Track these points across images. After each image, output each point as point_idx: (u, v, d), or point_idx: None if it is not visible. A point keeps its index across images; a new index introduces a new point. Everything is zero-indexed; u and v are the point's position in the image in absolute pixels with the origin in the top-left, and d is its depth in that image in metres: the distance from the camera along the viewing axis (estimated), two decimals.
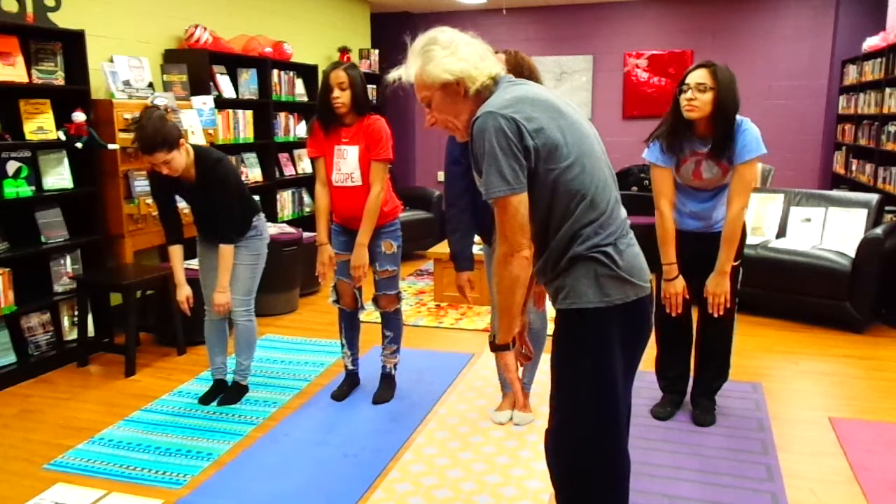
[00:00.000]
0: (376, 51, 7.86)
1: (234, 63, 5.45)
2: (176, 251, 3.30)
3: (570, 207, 1.64)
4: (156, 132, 2.94)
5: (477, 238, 3.17)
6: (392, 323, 3.46)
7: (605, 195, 1.68)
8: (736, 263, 3.02)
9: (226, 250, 3.20)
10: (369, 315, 4.60)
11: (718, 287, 2.94)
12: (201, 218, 3.32)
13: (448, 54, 1.69)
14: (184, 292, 3.31)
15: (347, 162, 3.18)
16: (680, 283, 2.98)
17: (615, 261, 1.66)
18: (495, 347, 1.78)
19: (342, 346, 3.55)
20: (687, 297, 3.03)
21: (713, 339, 3.17)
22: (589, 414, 1.73)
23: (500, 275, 1.66)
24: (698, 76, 2.80)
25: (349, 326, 3.50)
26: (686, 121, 2.85)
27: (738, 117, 2.83)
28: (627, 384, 1.82)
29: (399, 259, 3.37)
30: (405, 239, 6.88)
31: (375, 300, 3.41)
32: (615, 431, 1.75)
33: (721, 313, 2.97)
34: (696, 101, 2.78)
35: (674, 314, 3.03)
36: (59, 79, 3.97)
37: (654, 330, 3.26)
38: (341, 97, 3.11)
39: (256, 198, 5.77)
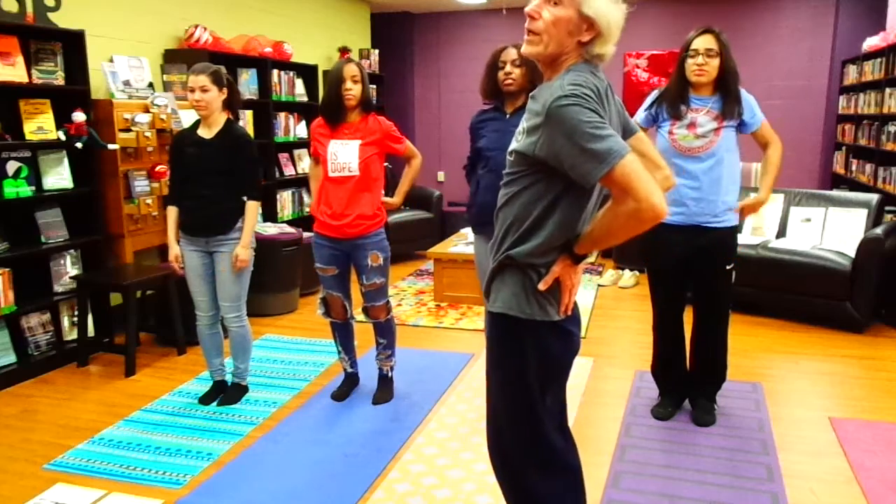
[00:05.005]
0: (376, 51, 7.86)
1: (234, 63, 5.44)
2: (173, 211, 3.34)
3: (546, 225, 1.61)
4: (213, 66, 3.20)
5: (467, 232, 3.21)
6: (385, 330, 3.44)
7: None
8: (730, 267, 3.03)
9: (252, 206, 3.28)
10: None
11: (752, 208, 3.09)
12: (201, 186, 3.22)
13: (614, 1, 1.57)
14: (174, 251, 3.33)
15: (346, 152, 3.17)
16: None
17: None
18: (576, 258, 1.64)
19: (339, 352, 3.55)
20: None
21: (708, 343, 3.17)
22: (514, 417, 1.74)
23: (621, 226, 1.51)
24: (707, 42, 2.88)
25: (343, 334, 3.50)
26: (688, 83, 2.95)
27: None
28: (558, 393, 1.82)
29: (387, 269, 3.33)
30: (406, 239, 6.91)
31: (365, 310, 3.40)
32: (541, 434, 1.74)
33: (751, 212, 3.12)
34: (707, 65, 2.88)
35: None
36: (59, 79, 3.97)
37: (652, 331, 3.26)
38: (353, 90, 3.13)
39: None
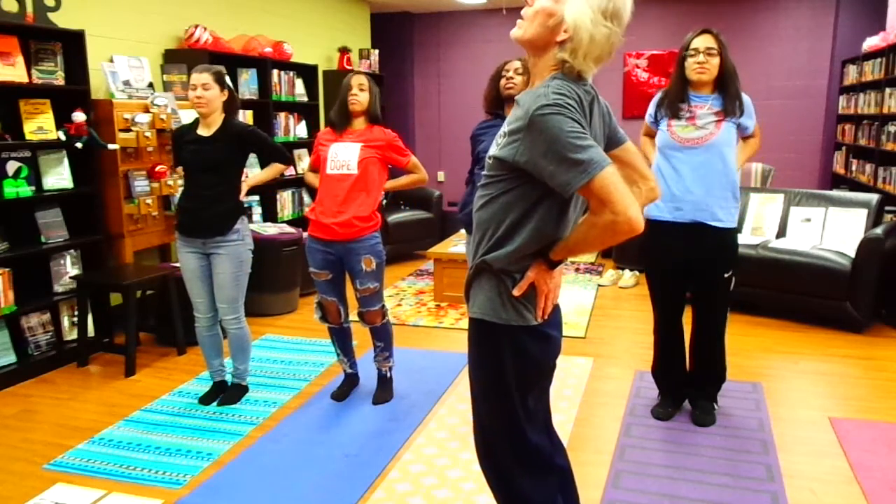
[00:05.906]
0: (376, 51, 7.86)
1: (234, 63, 5.44)
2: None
3: (521, 232, 1.59)
4: (215, 66, 3.27)
5: (464, 232, 3.25)
6: (381, 333, 3.44)
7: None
8: (728, 275, 3.03)
9: (277, 165, 3.52)
10: None
11: None
12: (199, 186, 3.24)
13: (596, 10, 1.52)
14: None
15: (347, 151, 3.20)
16: None
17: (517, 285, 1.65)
18: (551, 264, 1.63)
19: (337, 354, 3.55)
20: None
21: (707, 343, 3.17)
22: (495, 419, 1.75)
23: (596, 236, 1.52)
24: (707, 41, 2.92)
25: (340, 337, 3.50)
26: (688, 83, 2.98)
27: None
28: (541, 395, 1.82)
29: (381, 274, 3.32)
30: (406, 239, 6.90)
31: (361, 315, 3.40)
32: (523, 435, 1.74)
33: None
34: (707, 63, 2.91)
35: None
36: (59, 79, 3.97)
37: (652, 332, 3.27)
38: (359, 96, 3.23)
39: (255, 198, 5.79)
